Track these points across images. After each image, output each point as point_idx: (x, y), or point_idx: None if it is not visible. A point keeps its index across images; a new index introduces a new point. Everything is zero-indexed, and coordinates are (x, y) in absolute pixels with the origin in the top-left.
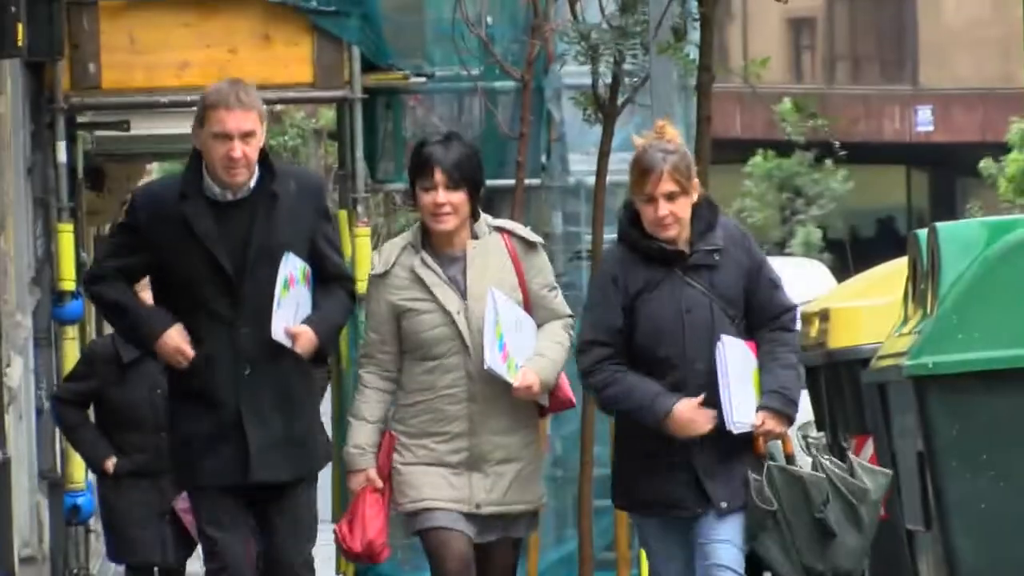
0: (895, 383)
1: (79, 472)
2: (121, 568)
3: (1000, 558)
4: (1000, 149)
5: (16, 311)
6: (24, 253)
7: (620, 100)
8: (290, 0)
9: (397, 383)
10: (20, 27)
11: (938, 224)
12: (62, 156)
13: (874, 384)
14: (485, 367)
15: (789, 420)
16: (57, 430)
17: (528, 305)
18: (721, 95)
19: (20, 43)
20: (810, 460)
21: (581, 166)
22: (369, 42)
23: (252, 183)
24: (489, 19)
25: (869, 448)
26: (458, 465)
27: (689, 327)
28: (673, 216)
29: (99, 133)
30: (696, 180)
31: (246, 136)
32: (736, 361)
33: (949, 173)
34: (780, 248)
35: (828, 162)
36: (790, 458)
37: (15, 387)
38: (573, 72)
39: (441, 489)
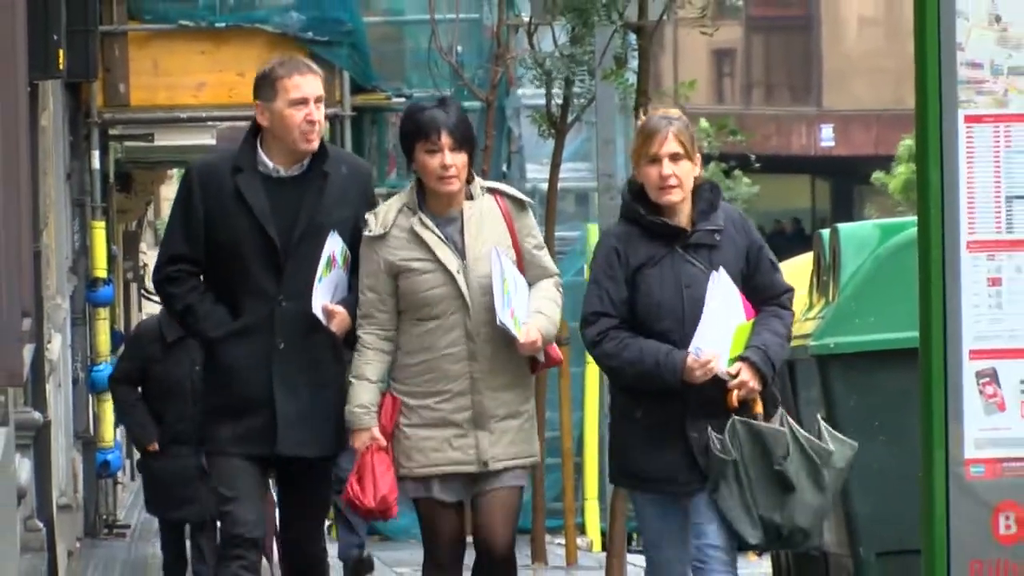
0: (801, 361)
1: (109, 432)
2: (150, 521)
3: (890, 511)
4: (892, 162)
5: (56, 295)
6: (63, 246)
7: (570, 118)
8: (290, 32)
9: (395, 342)
10: (61, 53)
11: (839, 225)
12: (96, 163)
13: (783, 362)
14: (498, 323)
15: (763, 379)
16: (91, 396)
17: (520, 263)
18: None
19: (61, 67)
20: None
21: (536, 174)
22: (357, 67)
23: (306, 161)
24: (459, 48)
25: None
26: (463, 424)
27: (688, 302)
28: (677, 179)
29: (127, 144)
30: (699, 156)
31: (318, 100)
32: (720, 297)
33: (848, 182)
34: None
35: (737, 172)
36: (756, 417)
37: (55, 360)
38: (530, 94)
39: (446, 452)
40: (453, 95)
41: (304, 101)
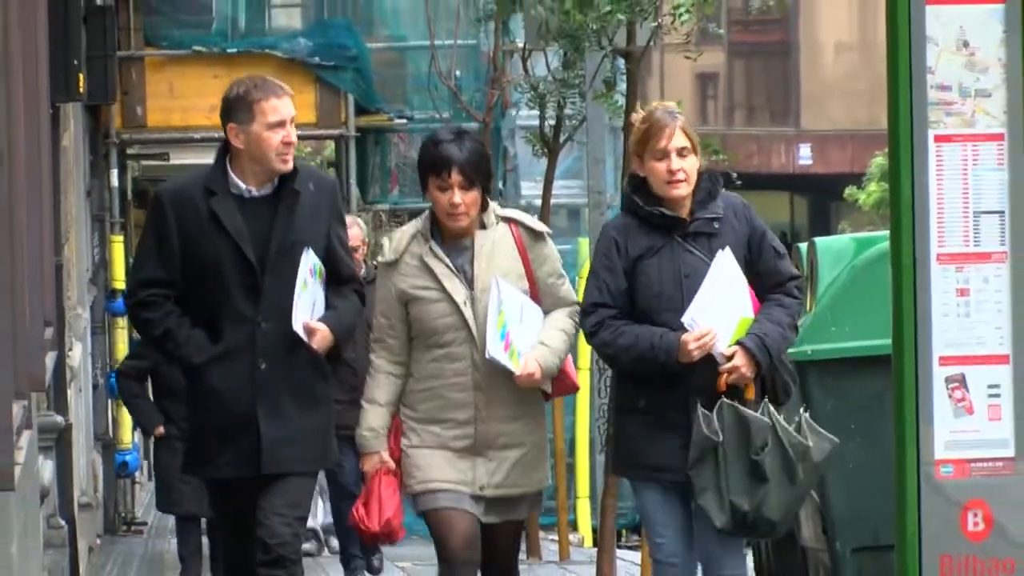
0: None
1: (127, 435)
2: (166, 518)
3: (865, 509)
4: (864, 178)
5: (77, 305)
6: (84, 259)
7: (562, 138)
8: (298, 57)
9: (406, 367)
10: (81, 77)
11: (816, 239)
12: (115, 181)
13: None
14: (487, 356)
15: (758, 367)
16: (110, 401)
17: (535, 294)
18: None
19: (81, 90)
20: None
21: (530, 191)
22: (361, 91)
23: (275, 180)
24: (457, 73)
25: None
26: (462, 450)
27: (688, 292)
28: (685, 172)
29: (144, 162)
30: (699, 150)
31: (292, 121)
32: (722, 275)
33: (825, 198)
34: None
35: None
36: (747, 403)
37: (76, 366)
38: (525, 115)
39: (446, 470)
40: (452, 117)
41: (282, 123)
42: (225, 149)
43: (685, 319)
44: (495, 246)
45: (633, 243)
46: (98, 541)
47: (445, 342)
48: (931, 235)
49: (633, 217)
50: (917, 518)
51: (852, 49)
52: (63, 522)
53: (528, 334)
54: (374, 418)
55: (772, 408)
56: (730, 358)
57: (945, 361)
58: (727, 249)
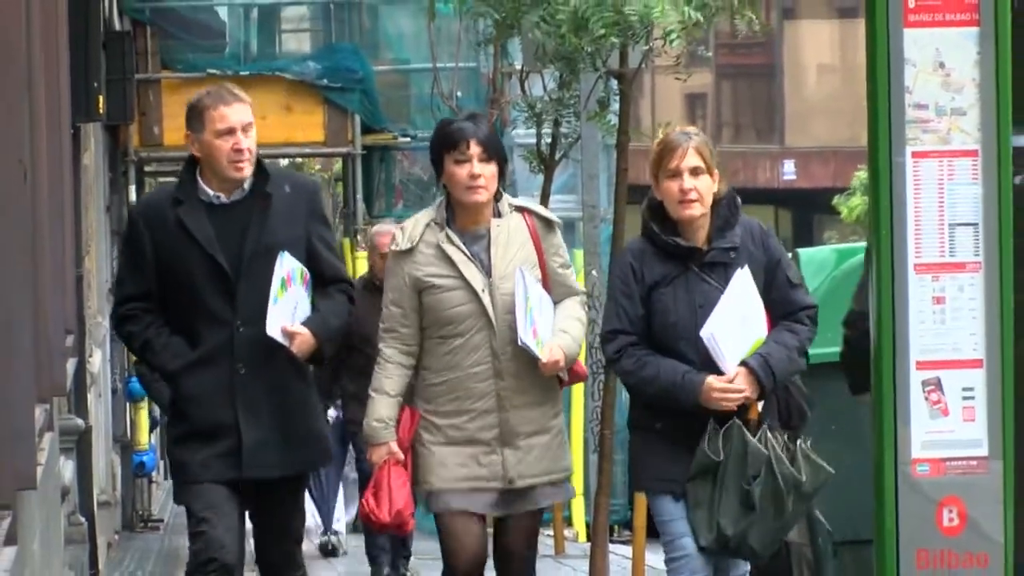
0: None
1: (144, 437)
2: (181, 515)
3: (846, 505)
4: (847, 192)
5: (97, 314)
6: (103, 270)
7: (558, 155)
8: (307, 79)
9: (417, 358)
10: (101, 99)
11: (799, 250)
12: (133, 197)
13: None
14: (519, 343)
15: (762, 388)
16: (128, 404)
17: (546, 282)
18: (634, 152)
19: (101, 111)
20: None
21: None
22: (367, 111)
23: (246, 185)
24: (459, 93)
25: None
26: (491, 442)
27: (702, 322)
28: (697, 192)
29: (161, 179)
30: (717, 172)
31: (246, 128)
32: (739, 292)
33: (808, 212)
34: None
35: None
36: (749, 423)
37: (96, 372)
38: (522, 134)
39: (471, 467)
40: None
41: (231, 131)
42: (194, 158)
43: (704, 333)
44: (511, 235)
45: (649, 270)
46: (116, 537)
47: (462, 331)
48: (909, 246)
49: (649, 243)
50: (895, 514)
51: (834, 71)
52: (83, 519)
53: (546, 322)
54: (383, 408)
55: (771, 436)
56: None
57: (922, 365)
58: (746, 268)
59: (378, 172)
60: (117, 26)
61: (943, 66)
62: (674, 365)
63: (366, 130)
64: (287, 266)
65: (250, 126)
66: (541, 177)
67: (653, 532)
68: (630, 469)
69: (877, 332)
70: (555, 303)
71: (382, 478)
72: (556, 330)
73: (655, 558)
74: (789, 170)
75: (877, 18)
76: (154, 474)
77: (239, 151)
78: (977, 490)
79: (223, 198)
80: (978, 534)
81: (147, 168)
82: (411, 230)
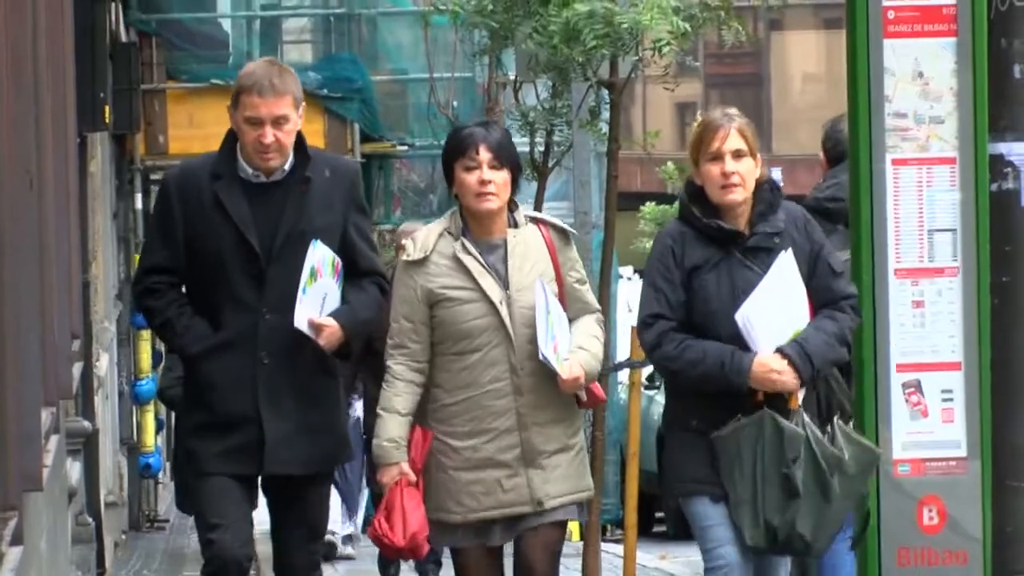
0: None
1: (150, 439)
2: (186, 516)
3: None
4: None
5: (104, 319)
6: (110, 276)
7: (550, 163)
8: (308, 89)
9: (426, 374)
10: (107, 109)
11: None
12: (139, 204)
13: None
14: (540, 357)
15: (800, 376)
16: (134, 407)
17: (562, 297)
18: (625, 159)
19: (107, 120)
20: None
21: None
22: (366, 120)
23: (287, 167)
24: (455, 103)
25: None
26: (513, 463)
27: None
28: (740, 176)
29: None
30: (759, 156)
31: (278, 121)
32: (781, 276)
33: None
34: None
35: None
36: (789, 413)
37: (102, 376)
38: (516, 142)
39: (496, 495)
40: None
41: (259, 122)
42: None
43: (739, 315)
44: (528, 246)
45: (689, 253)
46: (123, 537)
47: (479, 346)
48: (889, 251)
49: (689, 227)
50: (877, 513)
51: (819, 80)
52: (90, 519)
53: (563, 338)
54: (394, 428)
55: (807, 418)
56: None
57: (902, 368)
58: (788, 251)
59: (377, 180)
60: (123, 38)
61: (922, 75)
62: (720, 345)
63: (365, 139)
64: (318, 255)
65: (284, 119)
66: (535, 185)
67: (644, 531)
68: (662, 475)
69: (857, 335)
70: (571, 320)
71: (394, 500)
72: (574, 347)
73: (646, 556)
74: (776, 177)
75: (858, 29)
76: (160, 475)
77: (264, 145)
78: (956, 489)
79: (262, 176)
80: (957, 532)
81: (153, 176)
82: (423, 239)
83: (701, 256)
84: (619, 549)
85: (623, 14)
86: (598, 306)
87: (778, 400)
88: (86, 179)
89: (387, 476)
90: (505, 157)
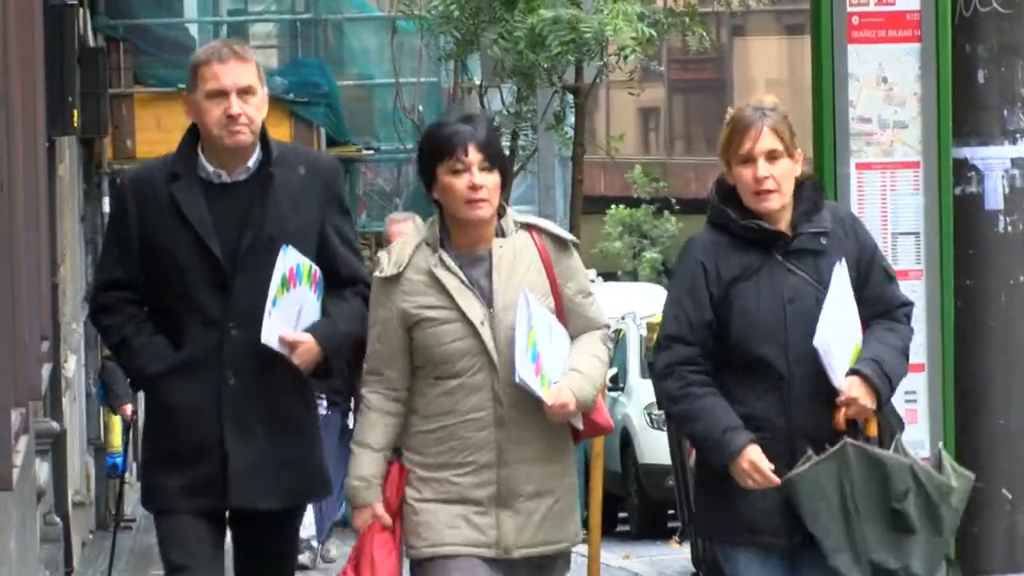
0: None
1: (117, 439)
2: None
3: None
4: None
5: (72, 321)
6: (78, 278)
7: (516, 167)
8: (274, 94)
9: (405, 404)
10: (76, 113)
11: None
12: (106, 208)
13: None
14: (516, 379)
15: (878, 397)
16: (101, 408)
17: (561, 312)
18: (589, 163)
19: (76, 124)
20: None
21: None
22: (332, 124)
23: (251, 164)
24: (420, 108)
25: None
26: (485, 501)
27: (792, 320)
28: (775, 181)
29: None
30: (800, 151)
31: (244, 92)
32: (840, 291)
33: None
34: (632, 276)
35: (665, 213)
36: (870, 440)
37: (70, 377)
38: None
39: (462, 531)
40: (415, 148)
41: (223, 93)
42: (196, 128)
43: (817, 342)
44: (516, 257)
45: (725, 264)
46: (90, 536)
47: (458, 371)
48: None
49: (723, 233)
50: None
51: (781, 85)
52: (58, 519)
53: (558, 359)
54: (366, 465)
55: (904, 445)
56: (844, 390)
57: None
58: (843, 262)
59: (343, 184)
60: (91, 42)
61: (886, 81)
62: (719, 416)
63: (331, 143)
64: (290, 262)
65: (251, 90)
66: None
67: (607, 531)
68: (697, 512)
69: None
70: (573, 337)
71: (364, 547)
72: (567, 369)
73: (610, 556)
74: None
75: (822, 34)
76: (126, 475)
77: (231, 117)
78: None
79: (224, 176)
80: None
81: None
82: (398, 253)
83: (738, 264)
84: (583, 549)
85: (588, 20)
86: (605, 320)
87: (849, 427)
88: (54, 183)
89: (359, 519)
90: (496, 157)
